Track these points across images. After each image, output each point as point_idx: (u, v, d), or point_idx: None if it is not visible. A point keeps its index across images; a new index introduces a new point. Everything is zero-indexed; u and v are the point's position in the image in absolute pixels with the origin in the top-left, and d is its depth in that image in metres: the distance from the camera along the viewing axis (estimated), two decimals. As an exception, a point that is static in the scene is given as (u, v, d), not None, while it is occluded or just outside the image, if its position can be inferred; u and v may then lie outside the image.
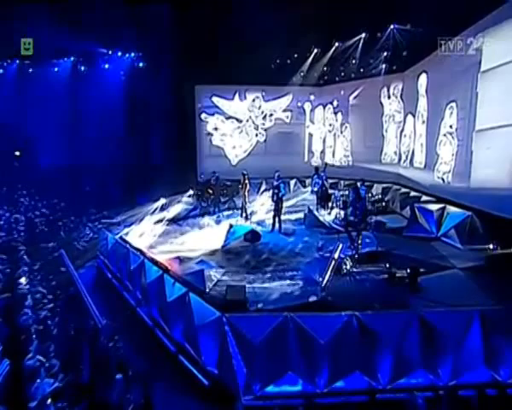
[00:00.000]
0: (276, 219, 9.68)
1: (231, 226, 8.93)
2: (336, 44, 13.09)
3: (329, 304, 5.12)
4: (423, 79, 11.89)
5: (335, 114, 16.53)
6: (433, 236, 8.91)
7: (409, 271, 5.81)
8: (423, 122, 11.92)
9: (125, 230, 9.34)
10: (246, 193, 10.95)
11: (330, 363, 4.64)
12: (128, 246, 7.80)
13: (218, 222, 10.65)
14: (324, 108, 17.00)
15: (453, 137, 9.89)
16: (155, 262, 6.63)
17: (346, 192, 10.98)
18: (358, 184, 10.52)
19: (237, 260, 7.50)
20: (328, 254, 6.84)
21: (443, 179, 10.28)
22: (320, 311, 4.86)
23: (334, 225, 9.82)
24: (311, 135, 17.46)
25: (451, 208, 9.06)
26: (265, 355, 4.62)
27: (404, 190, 12.88)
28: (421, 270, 6.07)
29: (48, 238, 9.80)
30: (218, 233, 8.90)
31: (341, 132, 16.39)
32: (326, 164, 14.49)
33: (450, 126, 10.05)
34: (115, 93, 15.67)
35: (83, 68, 15.86)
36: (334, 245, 7.73)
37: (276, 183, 9.69)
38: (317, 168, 12.79)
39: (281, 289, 5.68)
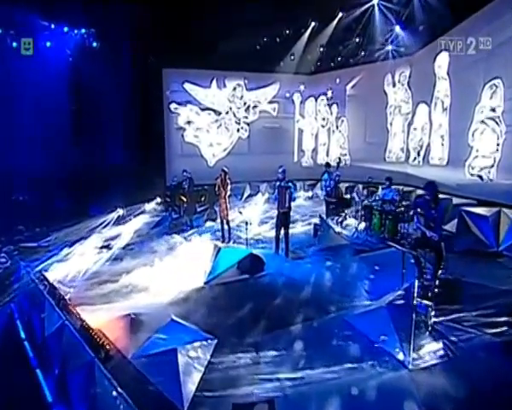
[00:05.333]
0: (283, 233, 6.65)
1: (218, 249, 5.89)
2: (340, 15, 10.60)
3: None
4: (443, 58, 10.20)
5: (329, 106, 14.74)
6: (492, 250, 6.92)
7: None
8: (444, 110, 10.23)
9: (60, 254, 6.19)
10: (225, 199, 7.86)
11: None
12: (45, 291, 4.59)
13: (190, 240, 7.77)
14: (316, 99, 15.19)
15: (498, 122, 8.22)
16: (85, 329, 3.54)
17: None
18: (386, 183, 8.04)
19: (233, 311, 4.39)
20: (387, 296, 4.06)
21: (480, 177, 8.47)
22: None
23: (358, 241, 7.22)
24: (301, 131, 15.47)
25: (510, 212, 7.01)
26: None
27: (420, 191, 10.91)
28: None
29: None
30: (198, 261, 5.86)
31: (337, 127, 14.53)
32: (339, 160, 11.89)
33: (493, 110, 8.35)
34: (60, 78, 12.53)
35: (15, 44, 12.41)
36: (381, 276, 5.12)
37: (281, 183, 6.55)
38: (328, 165, 10.11)
39: (332, 387, 2.78)
